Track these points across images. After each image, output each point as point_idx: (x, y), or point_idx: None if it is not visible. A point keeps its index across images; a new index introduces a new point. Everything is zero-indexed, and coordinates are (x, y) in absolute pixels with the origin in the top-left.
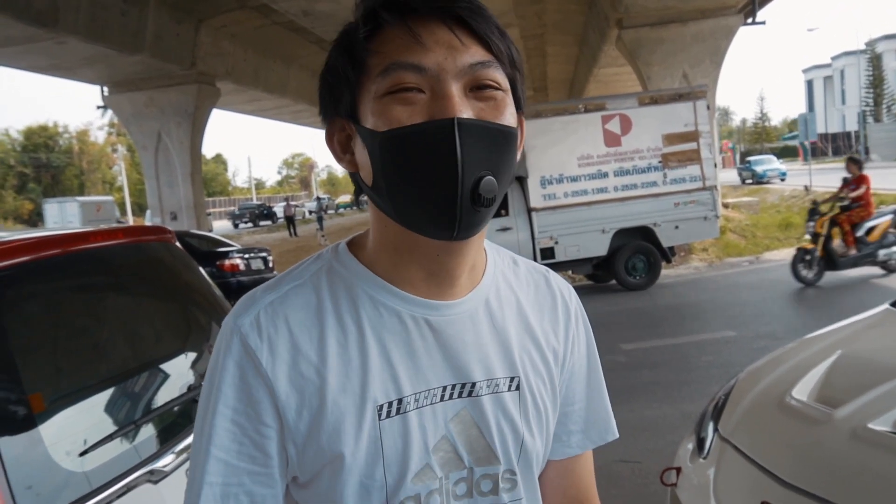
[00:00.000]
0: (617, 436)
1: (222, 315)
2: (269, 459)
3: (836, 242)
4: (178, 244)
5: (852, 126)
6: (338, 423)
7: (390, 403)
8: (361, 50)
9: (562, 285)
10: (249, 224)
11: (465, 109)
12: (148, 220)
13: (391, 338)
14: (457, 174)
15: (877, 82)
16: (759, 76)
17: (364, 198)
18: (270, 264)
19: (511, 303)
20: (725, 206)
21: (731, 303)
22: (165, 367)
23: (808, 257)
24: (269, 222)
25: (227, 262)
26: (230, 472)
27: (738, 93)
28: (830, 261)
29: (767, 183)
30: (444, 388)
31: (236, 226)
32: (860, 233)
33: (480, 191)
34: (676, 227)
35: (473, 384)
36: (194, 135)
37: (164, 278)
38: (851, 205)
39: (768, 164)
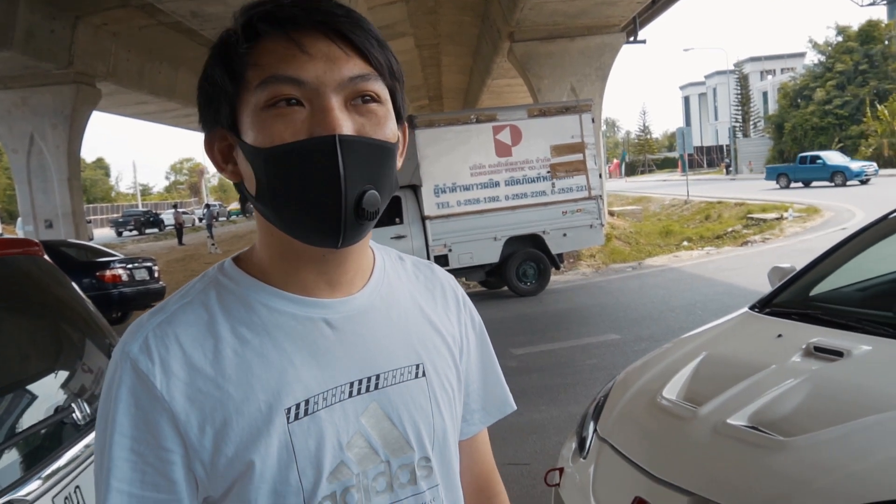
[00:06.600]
0: (515, 408)
1: (97, 332)
2: (174, 485)
3: None
4: (46, 257)
5: (724, 140)
6: (244, 432)
7: (297, 405)
8: (240, 62)
9: (445, 275)
10: (134, 232)
11: (345, 124)
12: (19, 228)
13: (290, 341)
14: (340, 190)
15: (744, 100)
16: (642, 91)
17: (251, 206)
18: (156, 274)
19: (404, 294)
20: (611, 214)
21: (615, 307)
22: (32, 388)
23: None
24: (155, 230)
25: (107, 273)
26: None
27: (623, 106)
28: None
29: (867, 182)
30: (352, 384)
31: (120, 234)
32: None
33: (364, 205)
34: (564, 235)
35: (378, 376)
36: (72, 138)
37: (30, 294)
38: None
39: (842, 160)
